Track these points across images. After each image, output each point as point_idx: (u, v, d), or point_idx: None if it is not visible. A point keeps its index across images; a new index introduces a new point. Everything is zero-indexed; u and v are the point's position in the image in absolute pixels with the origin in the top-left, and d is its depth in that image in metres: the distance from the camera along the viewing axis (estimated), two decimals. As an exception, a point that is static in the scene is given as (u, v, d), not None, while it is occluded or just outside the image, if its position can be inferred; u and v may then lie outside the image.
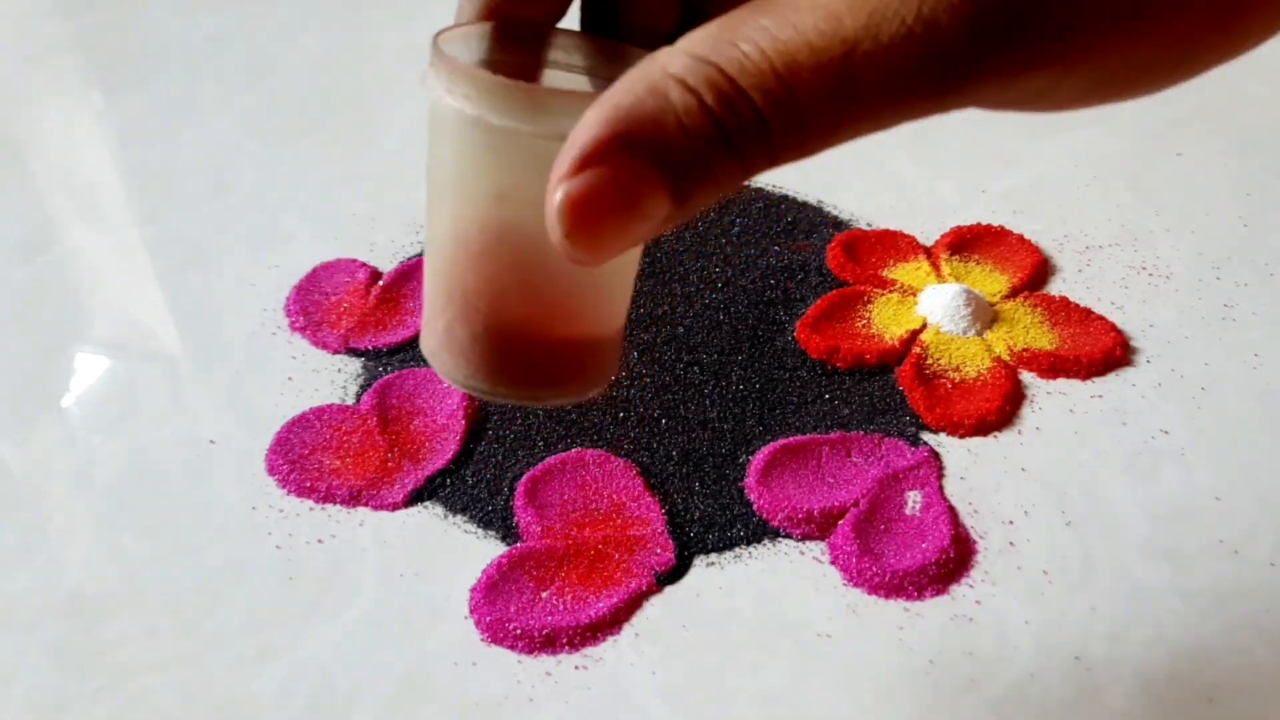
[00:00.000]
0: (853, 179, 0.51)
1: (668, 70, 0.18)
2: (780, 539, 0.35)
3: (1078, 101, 0.19)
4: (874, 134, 0.19)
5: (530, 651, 0.32)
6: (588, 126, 0.18)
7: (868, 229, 0.47)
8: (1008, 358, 0.41)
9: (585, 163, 0.18)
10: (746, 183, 0.20)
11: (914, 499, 0.36)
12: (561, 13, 0.24)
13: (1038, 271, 0.45)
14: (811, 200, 0.49)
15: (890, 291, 0.44)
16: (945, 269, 0.45)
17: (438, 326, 0.23)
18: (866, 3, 0.18)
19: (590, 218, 0.19)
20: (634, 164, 0.18)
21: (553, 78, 0.24)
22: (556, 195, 0.18)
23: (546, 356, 0.23)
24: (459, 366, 0.23)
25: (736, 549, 0.35)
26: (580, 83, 0.24)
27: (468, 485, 0.37)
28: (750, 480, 0.36)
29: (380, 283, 0.45)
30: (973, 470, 0.37)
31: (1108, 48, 0.18)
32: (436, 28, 0.22)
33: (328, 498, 0.36)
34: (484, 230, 0.22)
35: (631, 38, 0.24)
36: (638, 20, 0.24)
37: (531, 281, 0.22)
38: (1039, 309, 0.43)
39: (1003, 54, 0.18)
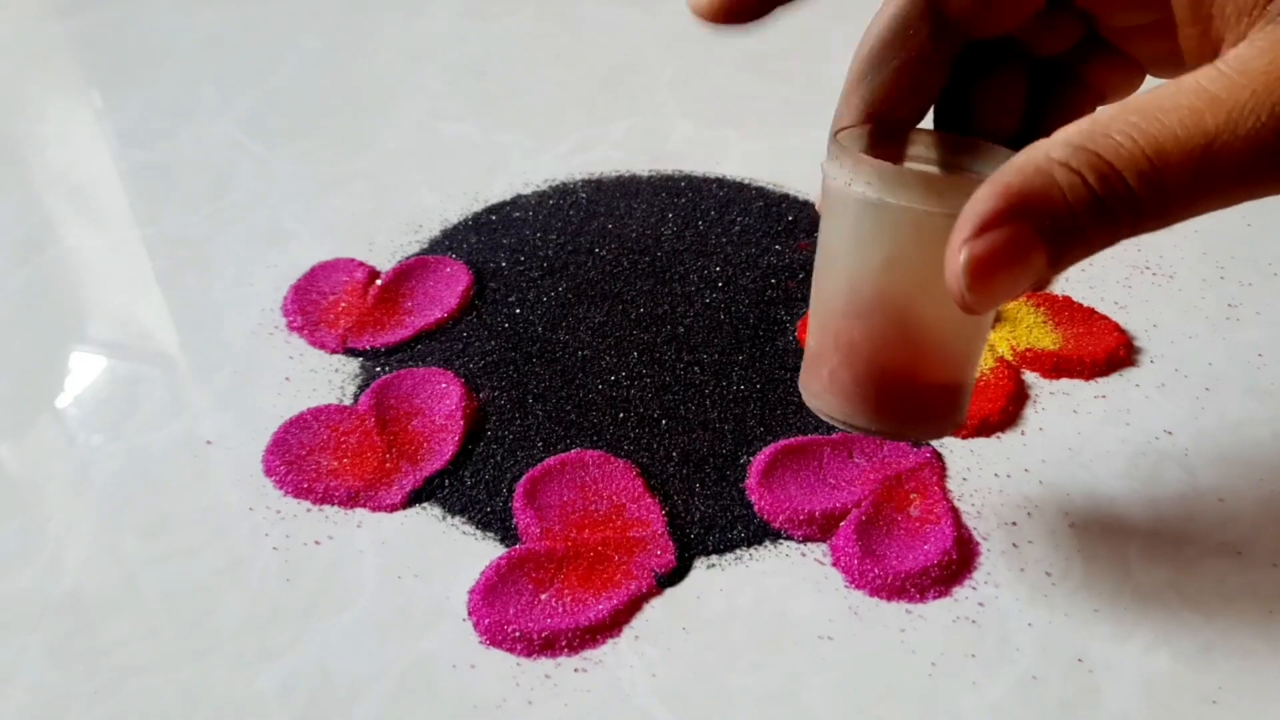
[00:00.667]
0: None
1: (1051, 155, 0.22)
2: (781, 540, 0.35)
3: None
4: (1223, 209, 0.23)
5: (529, 654, 0.32)
6: (984, 200, 0.23)
7: (869, 228, 0.47)
8: (1010, 358, 0.40)
9: (984, 229, 0.23)
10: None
11: (916, 502, 0.36)
12: (923, 115, 0.29)
13: (1040, 271, 0.44)
14: (812, 199, 0.49)
15: (891, 291, 0.43)
16: (947, 269, 0.44)
17: (822, 372, 0.28)
18: (1224, 103, 0.22)
19: (987, 271, 0.23)
20: (1024, 229, 0.23)
21: (913, 168, 0.28)
22: (961, 255, 0.23)
23: (918, 398, 0.27)
24: (840, 406, 0.28)
25: (737, 550, 0.34)
26: (938, 172, 0.29)
27: (466, 486, 0.37)
28: (751, 481, 0.36)
29: (378, 282, 0.45)
30: (975, 471, 0.37)
31: None
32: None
33: (325, 499, 0.36)
34: (873, 291, 0.26)
35: (979, 135, 0.29)
36: (986, 123, 0.29)
37: (909, 333, 0.27)
38: (1042, 309, 0.42)
39: None
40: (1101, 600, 0.33)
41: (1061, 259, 0.23)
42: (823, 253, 0.28)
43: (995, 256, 0.23)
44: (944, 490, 0.36)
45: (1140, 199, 0.22)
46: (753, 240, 0.47)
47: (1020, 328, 0.41)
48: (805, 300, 0.43)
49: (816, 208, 0.28)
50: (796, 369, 0.41)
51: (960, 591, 0.33)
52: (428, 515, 0.36)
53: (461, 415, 0.39)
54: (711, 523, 0.35)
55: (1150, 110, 0.22)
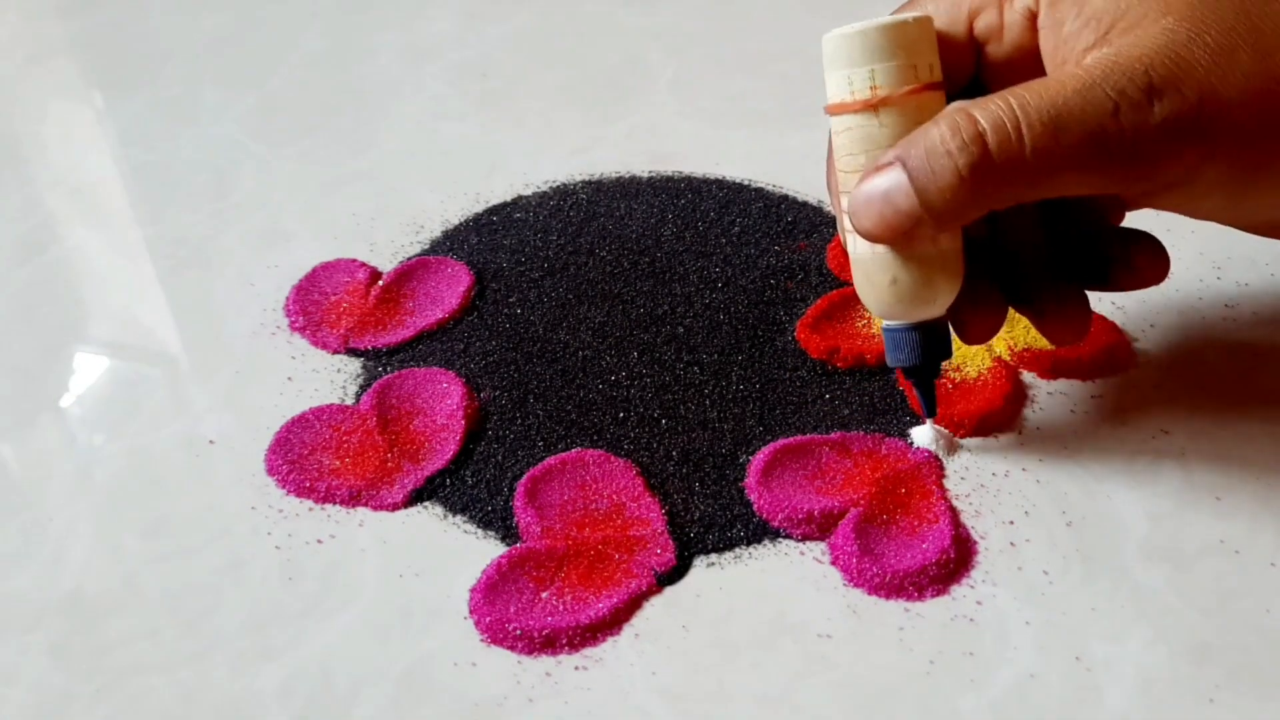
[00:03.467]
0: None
1: (936, 117, 0.29)
2: (780, 539, 0.35)
3: (1213, 193, 0.29)
4: (1074, 190, 0.28)
5: (530, 652, 0.32)
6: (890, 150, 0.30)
7: (868, 229, 0.47)
8: (1008, 358, 0.41)
9: (877, 168, 0.30)
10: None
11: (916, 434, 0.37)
12: None
13: (1038, 271, 0.45)
14: (811, 200, 0.49)
15: (890, 291, 0.43)
16: (945, 269, 0.45)
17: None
18: (1081, 78, 0.27)
19: (863, 199, 0.30)
20: (897, 168, 0.29)
21: None
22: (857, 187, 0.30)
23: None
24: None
25: (737, 549, 0.35)
26: None
27: (468, 485, 0.37)
28: (750, 480, 0.36)
29: (380, 283, 0.45)
30: (973, 470, 0.37)
31: (1240, 142, 0.27)
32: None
33: (327, 498, 0.36)
34: None
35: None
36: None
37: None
38: (1039, 309, 0.43)
39: (1169, 133, 0.27)
40: (1099, 599, 0.33)
41: (930, 200, 0.28)
42: None
43: (870, 190, 0.29)
44: (942, 489, 0.36)
45: (999, 145, 0.27)
46: (752, 241, 0.47)
47: (1018, 328, 0.42)
48: (804, 300, 0.44)
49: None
50: (796, 369, 0.41)
51: (958, 590, 0.33)
52: (429, 514, 0.36)
53: (463, 415, 0.39)
54: (711, 521, 0.35)
55: (1024, 84, 0.28)
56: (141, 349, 0.44)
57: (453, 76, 0.61)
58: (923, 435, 0.37)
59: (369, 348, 0.42)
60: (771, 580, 0.34)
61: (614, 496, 0.36)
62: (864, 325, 0.42)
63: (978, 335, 0.34)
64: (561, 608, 0.33)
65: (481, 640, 0.32)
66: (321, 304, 0.45)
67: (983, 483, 0.36)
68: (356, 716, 0.31)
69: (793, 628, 0.32)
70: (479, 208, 0.50)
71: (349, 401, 0.40)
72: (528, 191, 0.51)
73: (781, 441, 0.37)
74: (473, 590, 0.33)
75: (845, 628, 0.32)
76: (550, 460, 0.37)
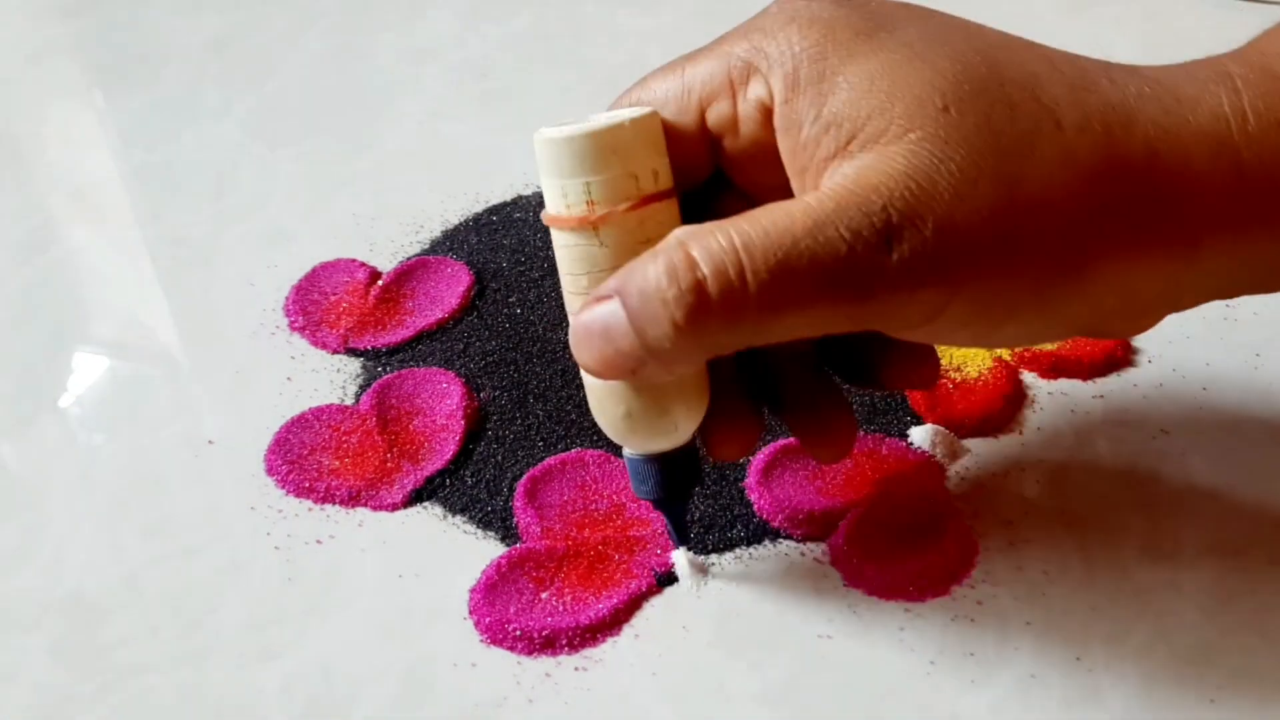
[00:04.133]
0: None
1: (656, 247, 0.25)
2: (780, 539, 0.35)
3: (962, 328, 0.26)
4: (808, 334, 0.25)
5: (530, 652, 0.32)
6: (609, 278, 0.26)
7: (868, 229, 0.47)
8: (1009, 358, 0.41)
9: (595, 300, 0.26)
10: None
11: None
12: None
13: (1038, 271, 0.44)
14: (812, 200, 0.49)
15: (891, 291, 0.43)
16: (946, 269, 0.45)
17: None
18: (813, 211, 0.24)
19: (583, 335, 0.27)
20: (616, 305, 0.26)
21: None
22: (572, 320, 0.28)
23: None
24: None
25: (737, 550, 0.35)
26: None
27: (467, 485, 0.37)
28: (750, 481, 0.36)
29: (379, 282, 0.45)
30: (973, 470, 0.37)
31: (983, 276, 0.25)
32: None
33: (327, 498, 0.36)
34: None
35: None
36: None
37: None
38: (1040, 309, 0.43)
39: (907, 275, 0.24)
40: (1099, 599, 0.33)
41: (650, 344, 0.25)
42: None
43: (589, 323, 0.26)
44: (942, 489, 0.36)
45: (720, 292, 0.24)
46: (752, 240, 0.47)
47: (1019, 328, 0.42)
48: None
49: None
50: (796, 369, 0.41)
51: (959, 590, 0.33)
52: (428, 514, 0.36)
53: (462, 415, 0.39)
54: (711, 522, 0.35)
55: (752, 215, 0.25)
56: (141, 349, 0.44)
57: (453, 76, 0.61)
58: (922, 435, 0.37)
59: (369, 348, 0.42)
60: (771, 580, 0.34)
61: (614, 496, 0.36)
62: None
63: (727, 453, 0.31)
64: (561, 608, 0.33)
65: (481, 640, 0.32)
66: (321, 304, 0.45)
67: (983, 483, 0.36)
68: (356, 716, 0.31)
69: (793, 628, 0.32)
70: (479, 208, 0.50)
71: (349, 401, 0.40)
72: (528, 191, 0.51)
73: (781, 441, 0.37)
74: (473, 590, 0.33)
75: (845, 628, 0.32)
76: (550, 460, 0.37)
